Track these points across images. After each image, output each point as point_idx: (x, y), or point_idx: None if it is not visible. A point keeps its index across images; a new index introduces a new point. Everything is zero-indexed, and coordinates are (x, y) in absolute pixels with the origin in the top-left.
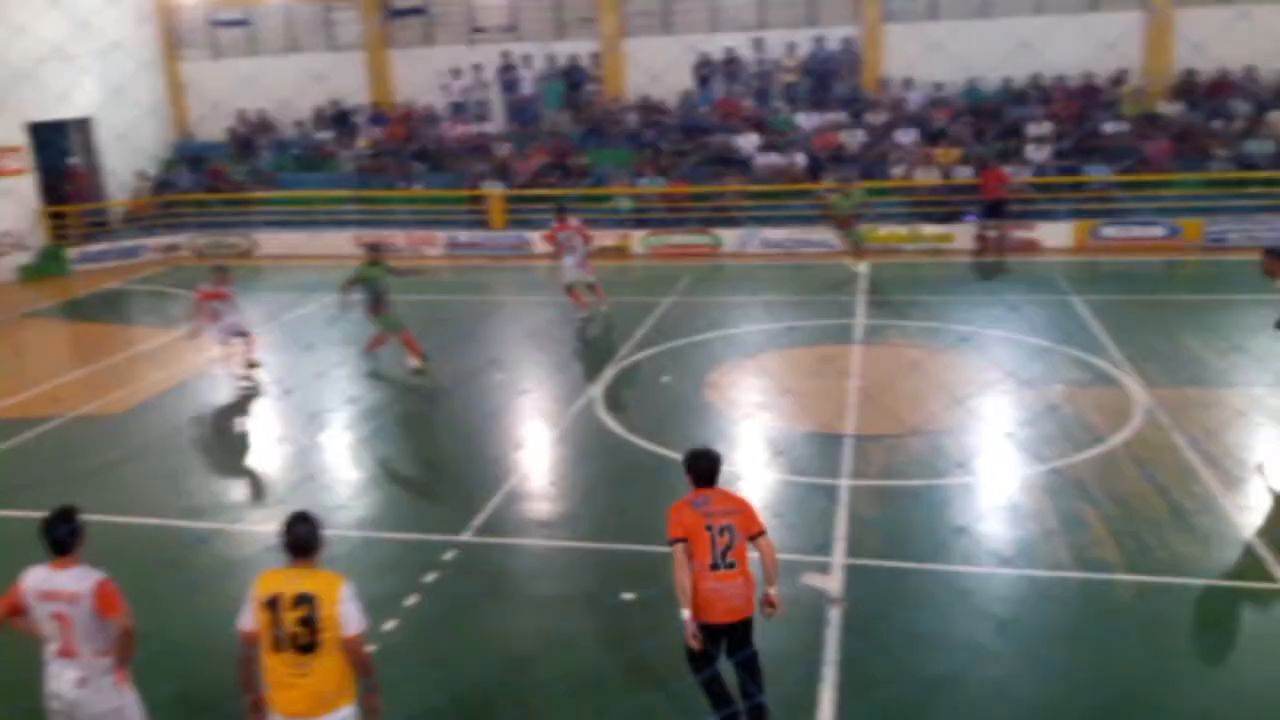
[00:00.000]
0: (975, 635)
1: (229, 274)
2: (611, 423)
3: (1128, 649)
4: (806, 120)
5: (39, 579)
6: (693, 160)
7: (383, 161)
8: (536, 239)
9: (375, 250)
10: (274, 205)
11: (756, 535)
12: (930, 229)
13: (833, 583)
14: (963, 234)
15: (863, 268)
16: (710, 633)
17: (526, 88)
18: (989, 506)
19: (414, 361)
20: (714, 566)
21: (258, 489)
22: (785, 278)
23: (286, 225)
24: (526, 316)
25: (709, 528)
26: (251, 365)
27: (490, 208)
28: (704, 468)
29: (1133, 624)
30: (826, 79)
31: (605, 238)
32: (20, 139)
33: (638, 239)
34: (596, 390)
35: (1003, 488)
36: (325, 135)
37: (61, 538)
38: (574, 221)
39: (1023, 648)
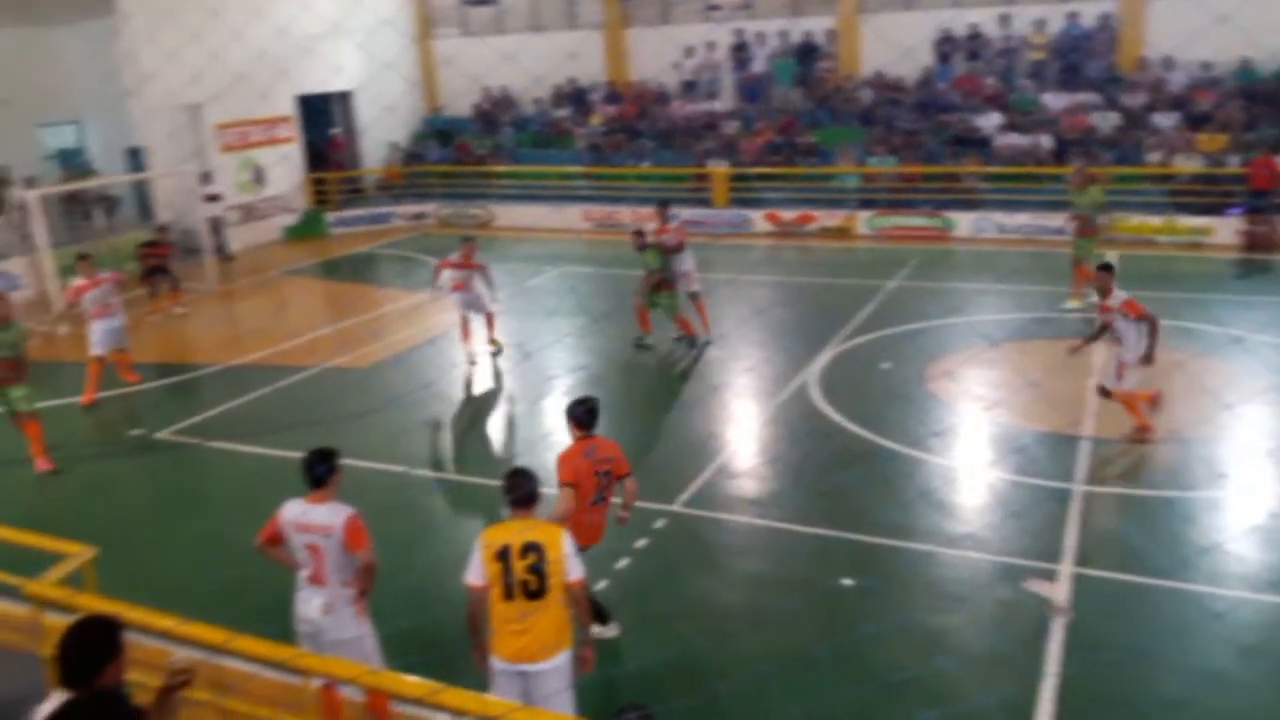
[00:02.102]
0: (1214, 661)
1: (475, 244)
2: (826, 407)
3: None
4: (1054, 100)
5: (296, 511)
6: (928, 139)
7: (615, 139)
8: (759, 218)
9: (639, 235)
10: (511, 179)
11: (625, 476)
12: (1188, 220)
13: (1058, 591)
14: (1225, 228)
15: (1074, 304)
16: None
17: (758, 65)
18: (1244, 525)
19: (702, 334)
20: (595, 502)
21: (490, 445)
22: (1022, 265)
23: (522, 199)
24: (745, 294)
25: (596, 473)
26: (494, 345)
27: (714, 185)
28: (589, 411)
29: None
30: (1078, 57)
31: (829, 218)
32: (291, 110)
33: (863, 220)
34: (812, 373)
35: (1261, 505)
36: (562, 113)
37: (320, 475)
38: (673, 224)
39: (1270, 679)
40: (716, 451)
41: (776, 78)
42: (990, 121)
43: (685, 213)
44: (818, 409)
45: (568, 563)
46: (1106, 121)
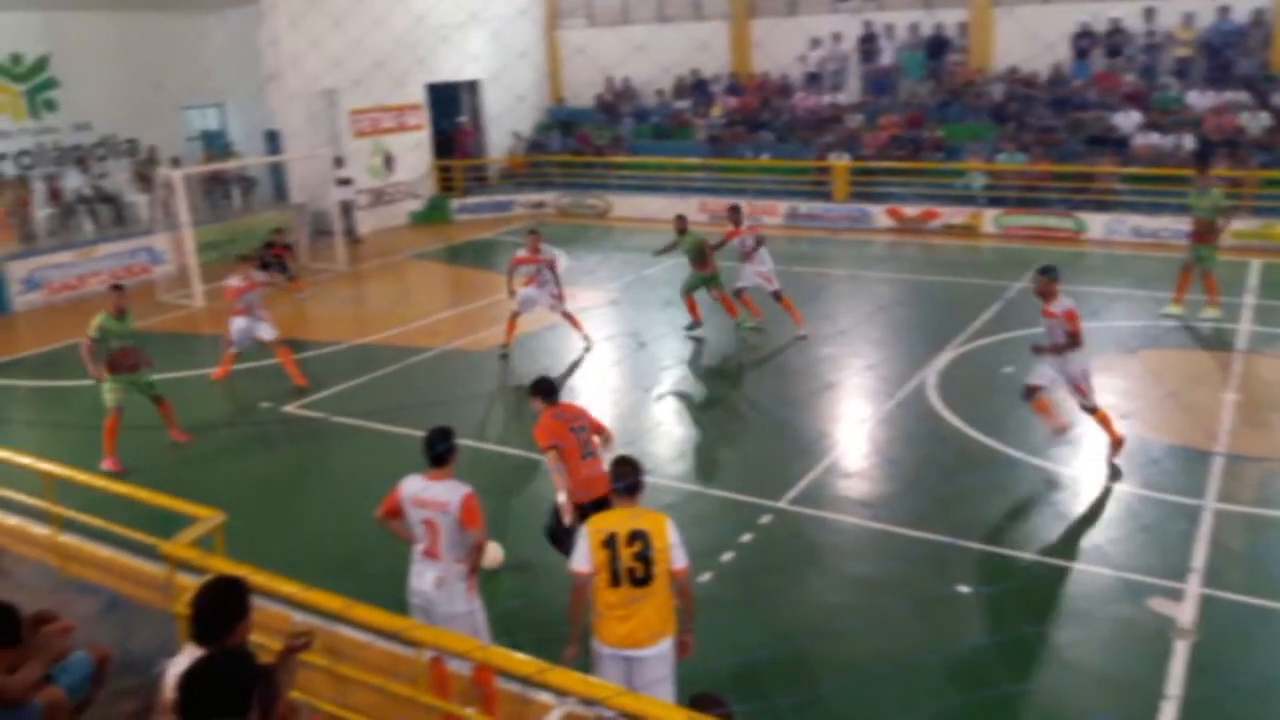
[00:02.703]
0: None
1: (539, 236)
2: (943, 409)
3: None
4: (1199, 99)
5: (416, 487)
6: (1061, 137)
7: (734, 131)
8: (880, 213)
9: (680, 220)
10: (629, 170)
11: (601, 431)
12: None
13: (1184, 612)
14: None
15: (1213, 313)
16: (584, 510)
17: (886, 58)
18: None
19: (749, 320)
20: (584, 457)
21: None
22: (1158, 271)
23: (639, 189)
24: (863, 291)
25: (573, 429)
26: (504, 348)
27: (835, 179)
28: (552, 387)
29: None
30: (1229, 54)
31: (954, 215)
32: (421, 98)
33: (990, 218)
34: (929, 373)
35: None
36: (683, 104)
37: (440, 453)
38: (744, 226)
39: None
40: (827, 450)
41: (905, 71)
42: (1129, 120)
43: (804, 206)
44: (935, 411)
45: (673, 551)
46: (1257, 122)
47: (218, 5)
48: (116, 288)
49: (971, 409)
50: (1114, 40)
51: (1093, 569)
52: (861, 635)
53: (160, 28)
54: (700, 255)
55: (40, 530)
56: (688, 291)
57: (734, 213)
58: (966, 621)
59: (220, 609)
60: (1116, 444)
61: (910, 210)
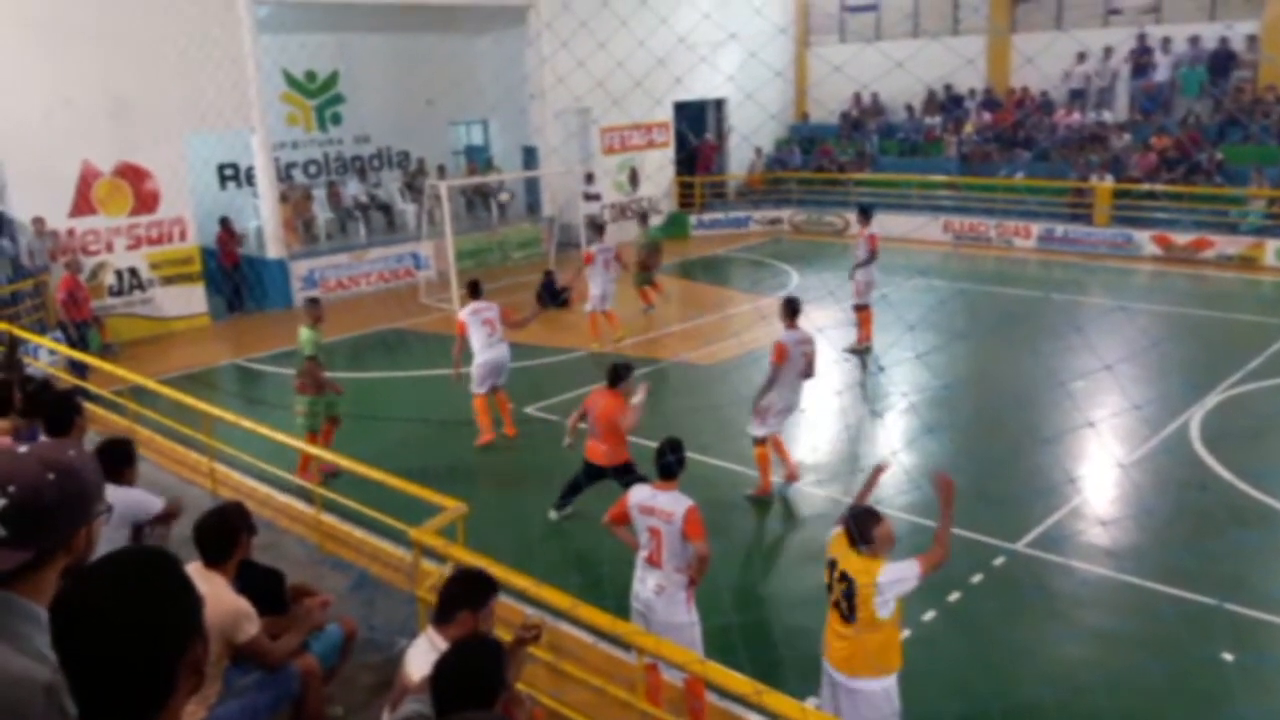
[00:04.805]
0: None
1: (603, 228)
2: (1208, 457)
3: None
4: None
5: (643, 496)
6: None
7: (987, 149)
8: (1145, 239)
9: (643, 218)
10: (872, 187)
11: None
12: None
13: None
14: None
15: None
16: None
17: (1161, 74)
18: None
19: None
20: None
21: (824, 456)
22: None
23: (882, 207)
24: (1122, 323)
25: (583, 416)
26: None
27: (1095, 201)
28: (615, 371)
29: None
30: None
31: (1230, 245)
32: (668, 116)
33: (1273, 250)
34: (1193, 417)
35: None
36: (933, 120)
37: (669, 465)
38: (869, 230)
39: None
40: (1072, 493)
41: (1181, 88)
42: None
43: (1060, 229)
44: (1199, 458)
45: (877, 602)
46: None
47: (489, 26)
48: (313, 301)
49: (1242, 459)
50: None
51: None
52: (1105, 692)
53: (436, 48)
54: (655, 248)
55: (305, 509)
56: (642, 285)
57: (864, 214)
58: (1229, 691)
59: (468, 597)
60: (764, 491)
61: (1180, 238)
